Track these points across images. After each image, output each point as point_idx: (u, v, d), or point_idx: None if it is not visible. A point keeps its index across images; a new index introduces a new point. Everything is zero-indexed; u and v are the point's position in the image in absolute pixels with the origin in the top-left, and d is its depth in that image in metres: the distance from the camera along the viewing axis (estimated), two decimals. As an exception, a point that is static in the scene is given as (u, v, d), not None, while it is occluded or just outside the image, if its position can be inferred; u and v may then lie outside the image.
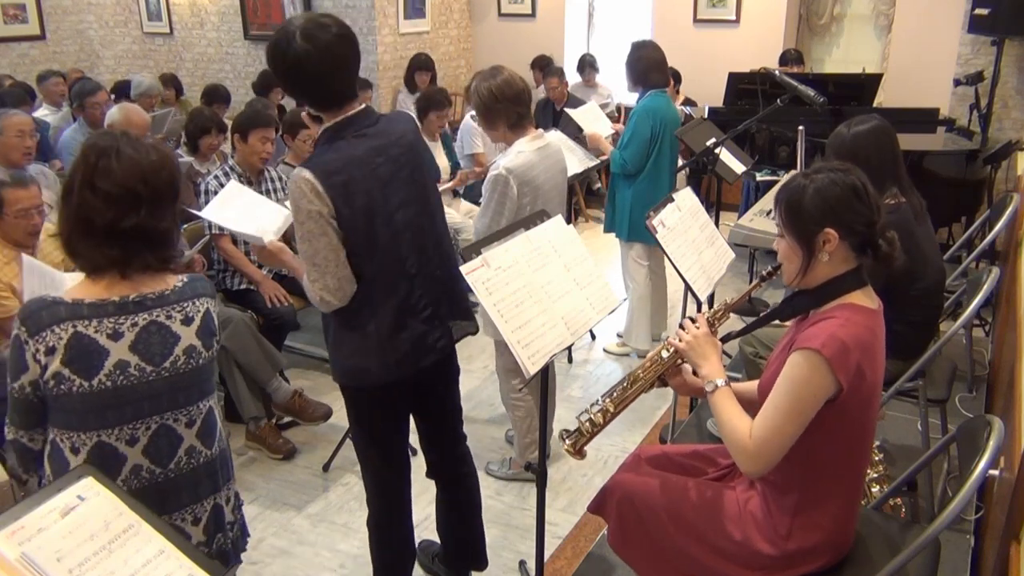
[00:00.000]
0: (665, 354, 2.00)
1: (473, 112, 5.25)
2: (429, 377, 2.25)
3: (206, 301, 1.78)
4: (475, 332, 2.36)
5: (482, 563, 2.61)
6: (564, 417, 3.65)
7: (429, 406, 2.38)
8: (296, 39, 1.89)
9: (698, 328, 1.93)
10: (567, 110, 5.17)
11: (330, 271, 1.98)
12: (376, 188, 2.01)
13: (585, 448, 2.01)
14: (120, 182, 1.60)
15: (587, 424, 2.00)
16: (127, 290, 1.65)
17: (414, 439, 2.43)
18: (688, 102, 6.33)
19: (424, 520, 2.85)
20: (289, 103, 6.52)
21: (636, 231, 4.04)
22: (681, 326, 1.97)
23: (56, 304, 1.59)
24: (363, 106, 2.05)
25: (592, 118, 4.66)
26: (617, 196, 4.14)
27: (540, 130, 2.89)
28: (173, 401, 1.71)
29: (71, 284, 1.90)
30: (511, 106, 2.74)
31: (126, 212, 1.61)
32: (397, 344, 2.11)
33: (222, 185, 3.67)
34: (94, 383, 1.60)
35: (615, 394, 2.02)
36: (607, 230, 4.27)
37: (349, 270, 2.01)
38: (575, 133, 5.14)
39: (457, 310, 2.25)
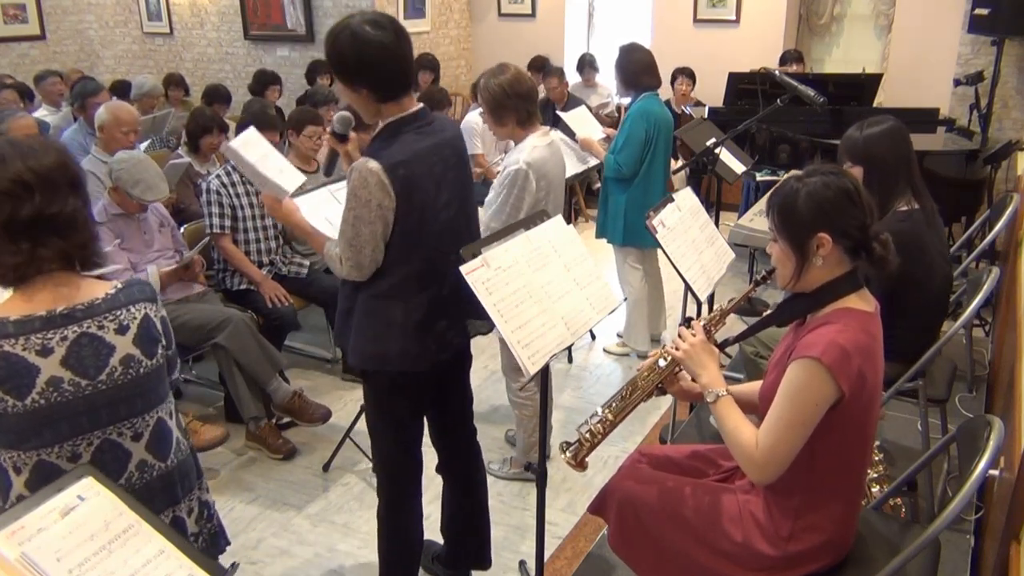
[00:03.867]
0: (662, 363, 2.00)
1: (475, 111, 5.27)
2: (450, 367, 2.29)
3: (144, 307, 1.70)
4: (487, 332, 2.37)
5: (486, 562, 2.61)
6: (563, 418, 3.66)
7: (447, 395, 2.41)
8: (368, 29, 1.95)
9: (694, 336, 1.92)
10: (559, 113, 5.18)
11: (365, 254, 2.03)
12: (431, 185, 2.08)
13: (586, 460, 2.01)
14: (3, 175, 1.52)
15: (587, 435, 2.00)
16: (55, 302, 1.57)
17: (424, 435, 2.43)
18: (698, 103, 6.32)
19: (424, 520, 2.84)
20: (287, 105, 6.52)
21: (631, 235, 4.02)
22: (679, 334, 1.96)
23: None
24: (421, 105, 2.11)
25: (583, 122, 4.66)
26: (610, 201, 4.10)
27: (547, 127, 2.92)
28: (114, 414, 1.64)
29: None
30: (521, 103, 2.78)
31: (20, 202, 1.53)
32: (422, 337, 2.15)
33: (224, 185, 3.69)
34: (27, 402, 1.53)
35: (614, 404, 2.02)
36: (599, 235, 4.23)
37: (382, 255, 2.06)
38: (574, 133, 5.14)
39: (475, 308, 2.26)
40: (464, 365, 2.44)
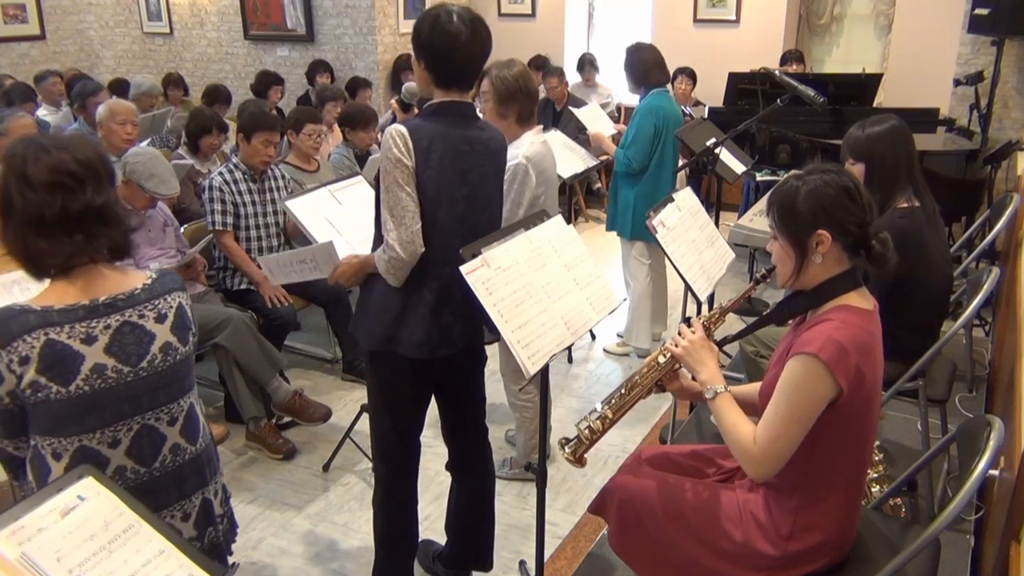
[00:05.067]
0: (662, 360, 2.00)
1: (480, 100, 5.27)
2: (454, 362, 2.30)
3: (178, 295, 1.77)
4: (490, 342, 2.37)
5: (488, 563, 2.61)
6: (563, 417, 3.66)
7: (454, 388, 2.43)
8: (451, 18, 2.08)
9: (694, 333, 1.93)
10: (571, 109, 5.18)
11: (406, 223, 2.06)
12: (451, 170, 2.12)
13: (585, 456, 2.01)
14: (54, 167, 1.57)
15: (586, 432, 2.00)
16: (96, 292, 1.63)
17: (424, 437, 2.43)
18: (698, 103, 6.32)
19: (425, 520, 2.85)
20: (288, 105, 6.53)
21: (639, 229, 4.05)
22: (679, 331, 1.97)
23: (25, 313, 1.55)
24: (470, 101, 2.18)
25: (595, 118, 4.67)
26: (619, 195, 4.14)
27: (540, 126, 2.95)
28: (154, 400, 1.70)
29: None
30: (526, 99, 2.82)
31: (73, 194, 1.58)
32: (428, 327, 2.16)
33: (226, 182, 3.69)
34: (72, 389, 1.58)
35: (613, 401, 2.02)
36: (609, 228, 4.29)
37: (420, 228, 2.09)
38: (575, 133, 5.14)
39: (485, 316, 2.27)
40: (475, 364, 2.45)
